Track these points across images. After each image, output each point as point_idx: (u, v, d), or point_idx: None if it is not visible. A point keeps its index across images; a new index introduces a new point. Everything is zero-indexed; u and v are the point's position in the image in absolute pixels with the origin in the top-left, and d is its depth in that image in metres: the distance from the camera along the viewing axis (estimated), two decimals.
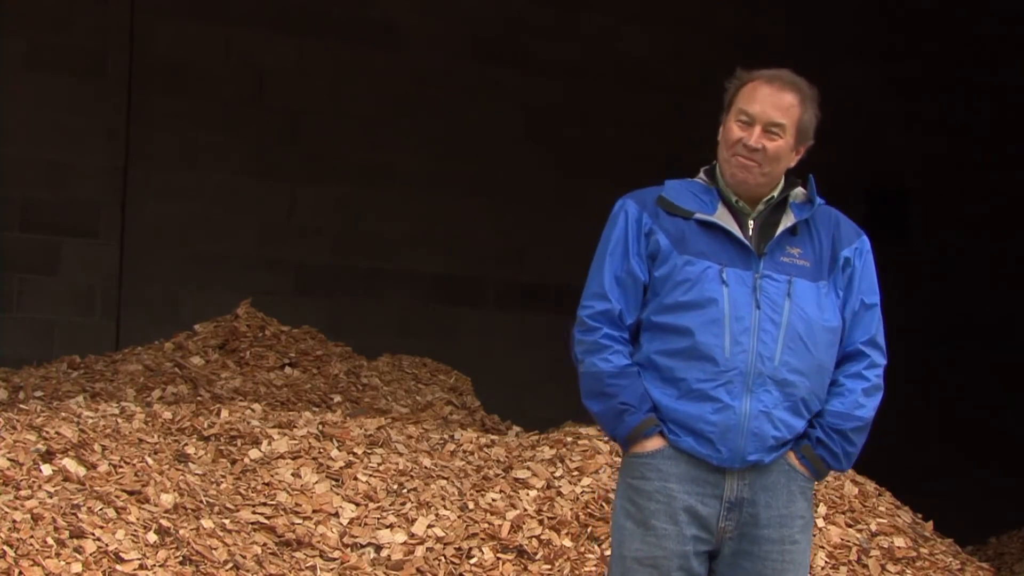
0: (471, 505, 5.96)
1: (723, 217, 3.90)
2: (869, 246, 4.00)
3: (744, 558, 3.85)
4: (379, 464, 6.20)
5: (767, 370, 3.80)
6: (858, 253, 3.97)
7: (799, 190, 3.98)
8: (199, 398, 7.28)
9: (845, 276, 3.94)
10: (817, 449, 3.87)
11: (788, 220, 3.92)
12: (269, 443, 6.21)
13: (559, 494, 6.06)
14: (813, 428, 3.87)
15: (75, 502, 5.26)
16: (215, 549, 5.32)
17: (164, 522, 5.31)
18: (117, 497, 5.38)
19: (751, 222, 3.91)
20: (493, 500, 5.99)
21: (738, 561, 3.85)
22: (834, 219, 4.00)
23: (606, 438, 6.19)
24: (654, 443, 3.84)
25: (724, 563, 3.87)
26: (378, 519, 5.81)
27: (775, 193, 3.93)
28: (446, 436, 6.74)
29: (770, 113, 3.87)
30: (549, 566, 5.65)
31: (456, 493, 6.06)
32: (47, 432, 5.74)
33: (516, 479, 6.19)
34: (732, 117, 3.91)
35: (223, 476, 5.96)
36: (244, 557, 5.35)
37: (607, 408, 3.87)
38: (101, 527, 5.17)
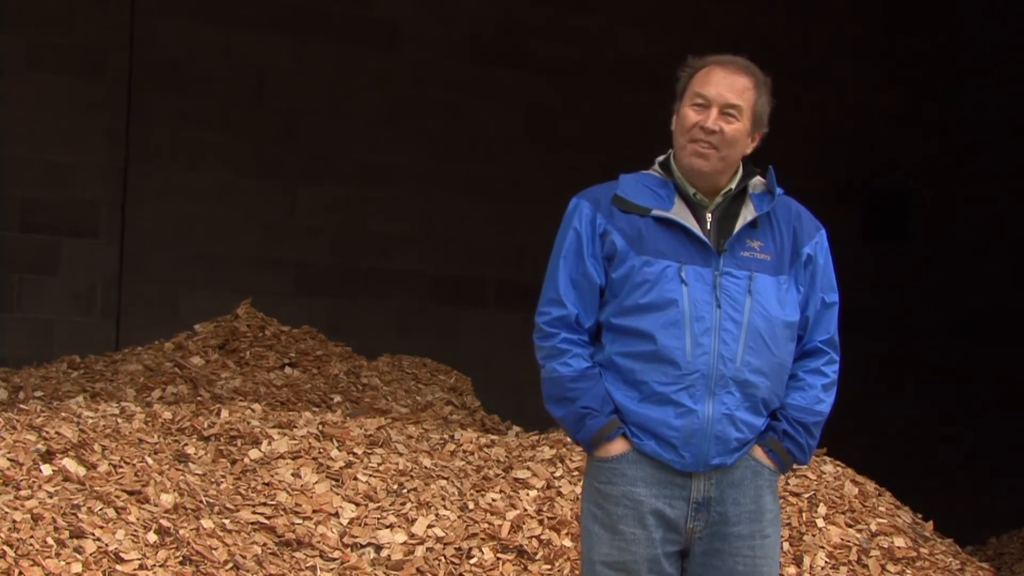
0: (471, 505, 5.95)
1: (680, 212, 3.82)
2: (827, 241, 3.95)
3: (716, 556, 3.81)
4: (379, 464, 6.19)
5: (729, 371, 3.75)
6: (819, 248, 3.92)
7: (758, 179, 3.91)
8: (199, 398, 7.28)
9: (807, 273, 3.89)
10: (784, 442, 3.83)
11: (748, 213, 3.85)
12: (269, 443, 6.20)
13: (559, 494, 6.06)
14: (778, 421, 3.84)
15: (75, 502, 5.26)
16: (215, 549, 5.31)
17: (164, 522, 5.31)
18: (117, 497, 5.37)
19: (709, 215, 3.84)
20: (493, 500, 5.99)
21: (710, 560, 3.82)
22: (795, 212, 3.92)
23: None
24: (618, 447, 3.80)
25: (696, 562, 3.83)
26: (378, 519, 5.80)
27: (732, 185, 3.86)
28: (446, 436, 6.73)
29: (726, 95, 3.81)
30: (549, 566, 5.65)
31: (456, 493, 6.05)
32: (47, 432, 5.73)
33: (516, 479, 6.19)
34: (687, 102, 3.84)
35: (223, 476, 5.95)
36: (244, 557, 5.35)
37: (569, 413, 3.85)
38: (101, 527, 5.16)
